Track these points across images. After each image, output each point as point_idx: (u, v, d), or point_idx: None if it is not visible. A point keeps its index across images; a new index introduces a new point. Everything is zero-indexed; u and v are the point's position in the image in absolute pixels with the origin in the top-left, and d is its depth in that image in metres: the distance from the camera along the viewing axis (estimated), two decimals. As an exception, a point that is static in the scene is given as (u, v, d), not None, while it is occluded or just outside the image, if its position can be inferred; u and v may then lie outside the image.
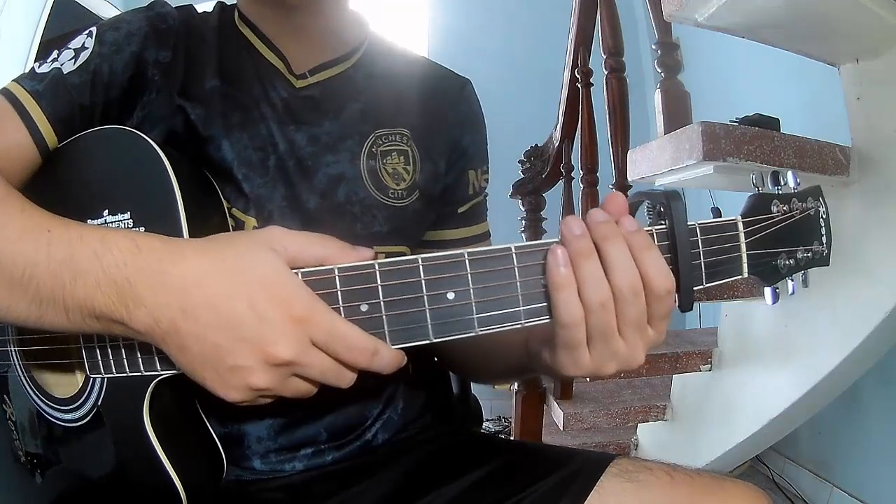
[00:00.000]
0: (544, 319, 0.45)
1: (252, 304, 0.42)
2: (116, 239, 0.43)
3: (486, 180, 0.78)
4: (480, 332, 0.45)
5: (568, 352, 0.46)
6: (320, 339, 0.43)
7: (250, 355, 0.42)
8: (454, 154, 0.73)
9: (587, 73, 1.85)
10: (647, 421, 1.76)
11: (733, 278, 0.50)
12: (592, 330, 0.45)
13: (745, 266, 0.50)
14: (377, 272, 0.44)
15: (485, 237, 0.79)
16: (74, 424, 0.58)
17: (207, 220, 0.58)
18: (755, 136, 1.17)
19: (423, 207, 0.70)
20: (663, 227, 0.47)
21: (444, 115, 0.73)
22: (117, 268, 0.42)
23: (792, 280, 0.52)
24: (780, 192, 0.51)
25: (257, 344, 0.42)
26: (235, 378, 0.43)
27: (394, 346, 0.45)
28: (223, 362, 0.42)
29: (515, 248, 0.45)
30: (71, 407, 0.58)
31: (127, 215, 0.53)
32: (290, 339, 0.42)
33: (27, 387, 0.62)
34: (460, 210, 0.75)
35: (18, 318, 0.46)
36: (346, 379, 0.45)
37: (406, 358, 0.46)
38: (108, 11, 2.54)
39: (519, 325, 0.45)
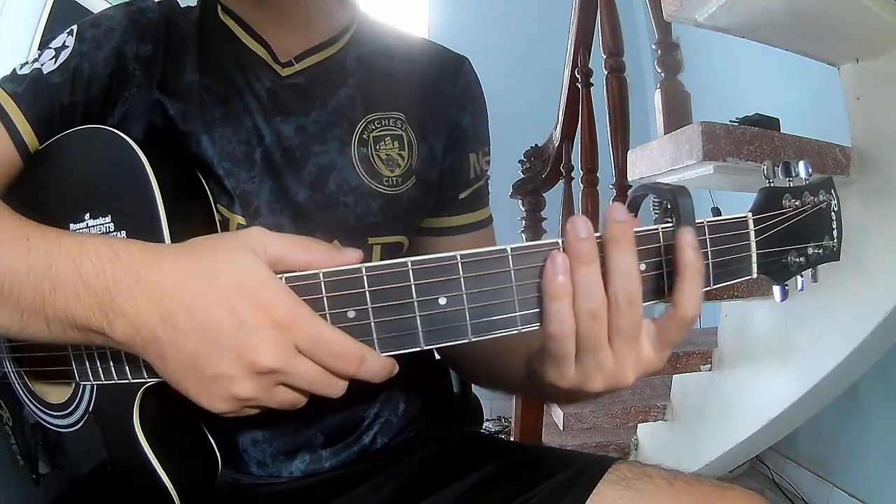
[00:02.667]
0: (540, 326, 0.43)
1: (231, 310, 0.40)
2: (95, 246, 0.42)
3: (488, 163, 0.74)
4: (474, 339, 0.43)
5: (553, 363, 0.44)
6: (305, 345, 0.41)
7: (232, 363, 0.40)
8: (453, 135, 0.70)
9: (587, 73, 1.85)
10: (647, 421, 1.75)
11: (743, 279, 0.47)
12: (581, 340, 0.42)
13: (754, 266, 0.47)
14: (364, 277, 0.42)
15: (487, 223, 0.76)
16: (68, 430, 0.57)
17: (192, 219, 0.57)
18: (755, 136, 1.16)
19: (419, 194, 0.67)
20: (670, 225, 0.44)
21: (441, 94, 0.69)
22: (96, 276, 0.41)
23: (801, 276, 0.50)
24: (792, 185, 0.49)
25: (238, 351, 0.40)
26: (218, 388, 0.41)
27: (383, 354, 0.43)
28: (204, 371, 0.41)
29: (512, 249, 0.42)
30: (64, 413, 0.57)
31: (108, 218, 0.52)
32: (273, 346, 0.40)
33: (21, 392, 0.62)
34: (461, 196, 0.72)
35: (1, 329, 0.45)
36: (336, 388, 0.43)
37: (397, 366, 0.44)
38: (107, 11, 2.54)
39: (515, 332, 0.43)
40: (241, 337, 0.40)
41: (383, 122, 0.66)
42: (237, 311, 0.40)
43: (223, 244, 0.43)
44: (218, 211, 0.61)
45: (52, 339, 0.44)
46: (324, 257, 0.44)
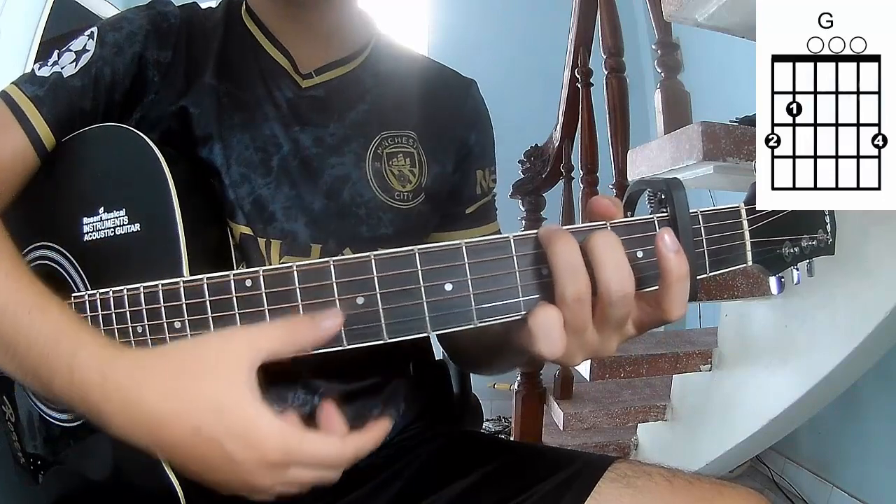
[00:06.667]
0: None
1: (223, 453, 0.42)
2: (87, 362, 0.44)
3: (494, 181, 0.78)
4: (479, 324, 0.44)
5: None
6: (299, 466, 0.45)
7: (232, 480, 0.44)
8: (461, 153, 0.73)
9: (587, 73, 1.85)
10: (647, 421, 1.75)
11: (738, 266, 0.49)
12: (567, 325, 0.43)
13: (749, 254, 0.49)
14: (373, 263, 0.43)
15: None
16: (72, 425, 0.57)
17: (203, 218, 0.58)
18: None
19: (428, 210, 0.70)
20: (665, 214, 0.46)
21: (451, 114, 0.73)
22: (86, 390, 0.43)
23: (797, 269, 0.51)
24: None
25: (236, 476, 0.43)
26: (230, 488, 0.45)
27: (391, 339, 0.44)
28: (210, 477, 0.44)
29: (514, 237, 0.44)
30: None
31: (122, 212, 0.53)
32: (268, 476, 0.44)
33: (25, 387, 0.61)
34: (468, 210, 0.75)
35: (6, 372, 0.48)
36: (334, 477, 0.48)
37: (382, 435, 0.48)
38: (107, 11, 2.54)
39: (518, 317, 0.44)
40: (235, 468, 0.43)
41: (396, 140, 0.68)
42: (227, 450, 0.42)
43: (210, 371, 0.43)
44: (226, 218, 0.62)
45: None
46: (309, 335, 0.44)
